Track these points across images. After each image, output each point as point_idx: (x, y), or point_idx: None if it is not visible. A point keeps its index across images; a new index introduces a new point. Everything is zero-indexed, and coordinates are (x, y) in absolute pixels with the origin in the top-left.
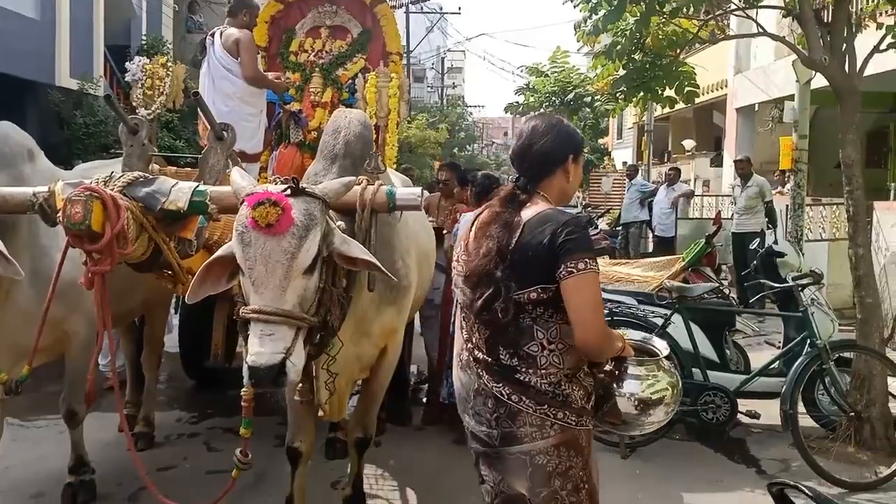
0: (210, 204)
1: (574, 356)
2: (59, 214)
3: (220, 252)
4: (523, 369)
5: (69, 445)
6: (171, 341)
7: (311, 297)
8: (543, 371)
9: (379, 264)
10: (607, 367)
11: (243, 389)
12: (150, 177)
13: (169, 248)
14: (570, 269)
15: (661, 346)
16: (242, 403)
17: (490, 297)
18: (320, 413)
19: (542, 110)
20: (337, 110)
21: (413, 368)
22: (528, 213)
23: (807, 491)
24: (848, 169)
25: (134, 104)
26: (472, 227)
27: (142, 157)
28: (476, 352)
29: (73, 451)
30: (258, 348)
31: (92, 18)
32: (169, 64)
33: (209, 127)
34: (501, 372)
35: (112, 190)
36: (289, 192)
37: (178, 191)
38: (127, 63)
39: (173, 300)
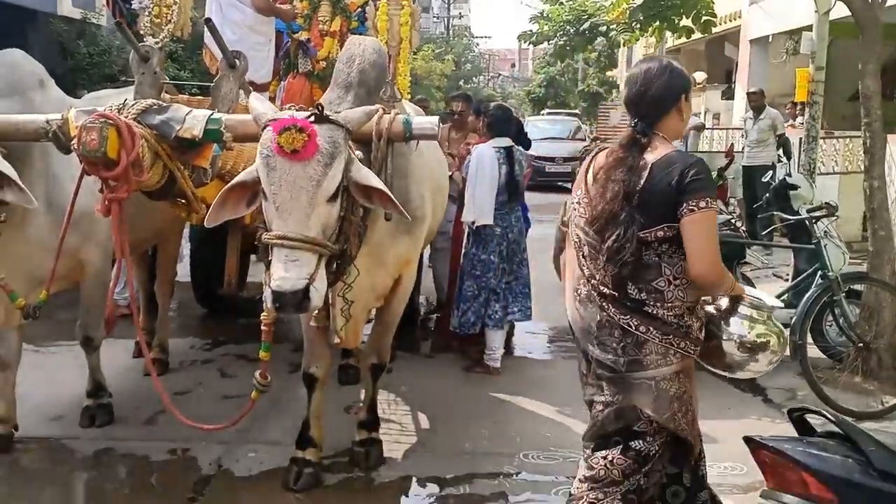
0: (225, 132)
1: (694, 290)
2: (73, 142)
3: (240, 177)
4: (651, 303)
5: (86, 371)
6: (182, 270)
7: (333, 225)
8: (669, 304)
9: (395, 200)
10: (722, 302)
11: (263, 314)
12: (164, 104)
13: (183, 176)
14: (691, 207)
15: (773, 301)
16: (263, 328)
17: (618, 238)
18: (336, 340)
19: (556, 39)
20: (351, 38)
21: (422, 299)
22: (652, 156)
23: (829, 416)
24: (867, 101)
25: (141, 32)
26: (587, 171)
27: (153, 85)
28: (602, 287)
29: (91, 375)
30: (283, 273)
31: None
32: None
33: (218, 56)
34: (630, 305)
35: (126, 117)
36: (313, 119)
37: (192, 118)
38: None
39: (186, 229)
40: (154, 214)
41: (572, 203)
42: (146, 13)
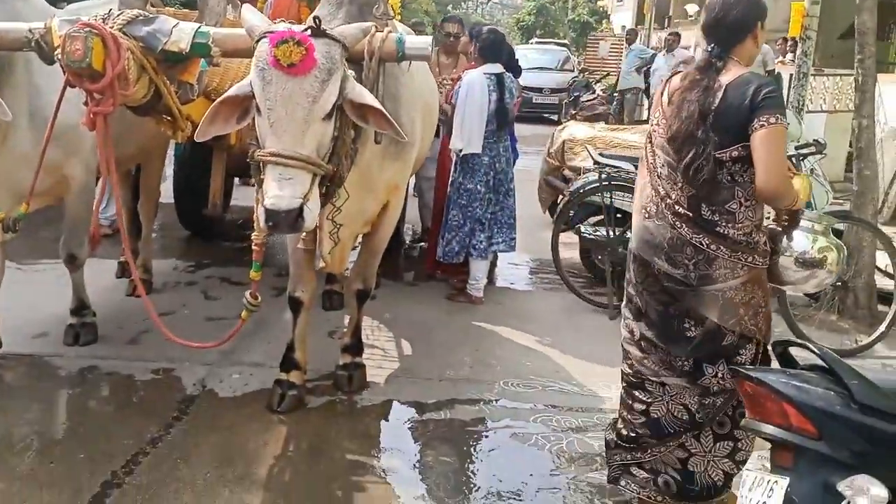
0: (213, 46)
1: (762, 209)
2: (56, 52)
3: (232, 90)
4: (722, 223)
5: (69, 289)
6: (166, 191)
7: (327, 144)
8: (740, 224)
9: (392, 119)
10: (785, 217)
11: (254, 233)
12: (151, 16)
13: (169, 91)
14: (762, 123)
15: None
16: (254, 247)
17: (693, 157)
18: (321, 264)
19: None
20: None
21: (407, 227)
22: (726, 78)
23: (813, 349)
24: (862, 37)
25: None
26: (662, 93)
27: None
28: (677, 207)
29: (74, 293)
30: (277, 192)
31: None
32: None
33: None
34: (702, 224)
35: (112, 28)
36: (311, 32)
37: (179, 31)
38: None
39: (170, 149)
40: (139, 131)
41: (651, 125)
42: None
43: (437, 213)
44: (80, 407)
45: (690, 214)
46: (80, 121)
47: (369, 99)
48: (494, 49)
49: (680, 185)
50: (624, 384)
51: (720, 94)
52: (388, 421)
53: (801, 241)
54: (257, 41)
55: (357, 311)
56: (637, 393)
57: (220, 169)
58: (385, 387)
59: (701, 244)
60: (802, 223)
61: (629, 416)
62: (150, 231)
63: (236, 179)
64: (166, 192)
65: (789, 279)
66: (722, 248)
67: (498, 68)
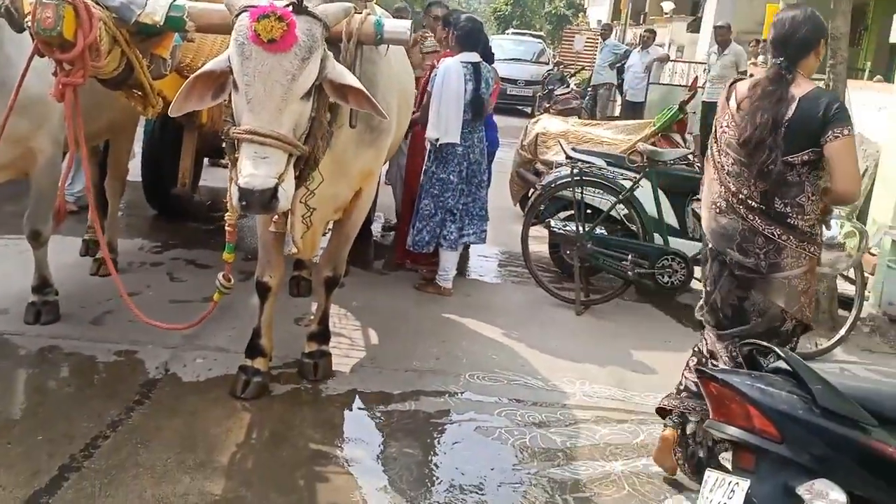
0: (187, 20)
1: (822, 204)
2: (27, 20)
3: (209, 65)
4: (793, 215)
5: (32, 266)
6: (133, 169)
7: (305, 124)
8: (807, 216)
9: (374, 100)
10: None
11: (228, 213)
12: None
13: (141, 65)
14: (836, 134)
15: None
16: (227, 228)
17: (765, 159)
18: (293, 250)
19: None
20: None
21: (378, 215)
22: (798, 90)
23: (779, 351)
24: (835, 41)
25: None
26: (728, 98)
27: None
28: (749, 201)
29: (37, 270)
30: (252, 170)
31: None
32: None
33: None
34: (774, 217)
35: None
36: (292, 9)
37: (154, 3)
38: None
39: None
40: (108, 106)
41: (720, 127)
42: None
43: (407, 201)
44: (39, 387)
45: (763, 208)
46: (48, 92)
47: (350, 79)
48: (472, 38)
49: (751, 181)
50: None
51: (793, 106)
52: (352, 411)
53: (834, 227)
54: (237, 15)
55: (325, 299)
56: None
57: (190, 148)
58: (350, 376)
59: (772, 234)
60: (834, 211)
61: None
62: (117, 209)
63: (206, 160)
64: (134, 170)
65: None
66: (791, 238)
67: (475, 57)
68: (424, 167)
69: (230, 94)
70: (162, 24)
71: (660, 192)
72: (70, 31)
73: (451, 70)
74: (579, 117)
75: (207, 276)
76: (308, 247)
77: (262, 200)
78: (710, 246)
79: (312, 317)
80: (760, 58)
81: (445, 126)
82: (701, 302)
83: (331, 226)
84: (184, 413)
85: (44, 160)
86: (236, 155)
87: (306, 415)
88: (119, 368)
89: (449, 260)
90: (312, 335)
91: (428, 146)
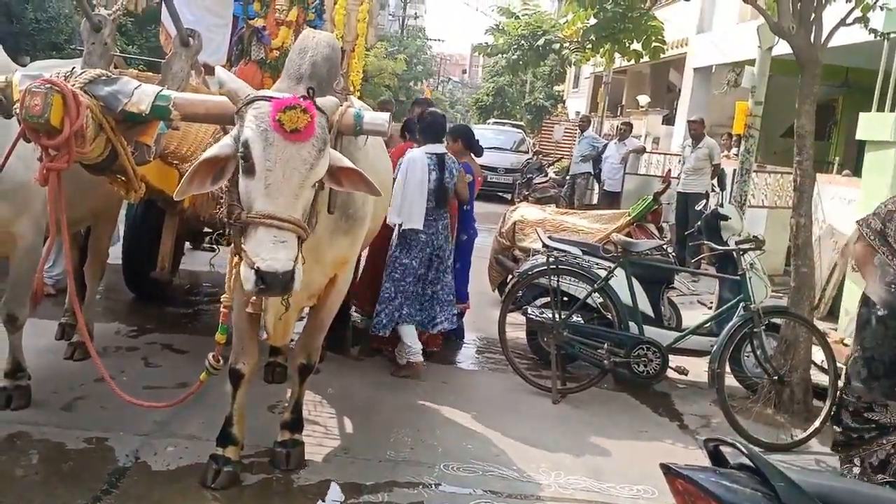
0: (173, 110)
1: None
2: (16, 106)
3: (212, 151)
4: None
5: (5, 350)
6: (115, 252)
7: (308, 210)
8: None
9: (368, 178)
10: None
11: (224, 296)
12: (113, 76)
13: (126, 152)
14: None
15: None
16: (222, 309)
17: None
18: (264, 336)
19: (510, 53)
20: (305, 31)
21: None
22: None
23: (742, 448)
24: (800, 139)
25: (94, 1)
26: None
27: (103, 57)
28: None
29: (11, 354)
30: (273, 254)
31: None
32: None
33: (172, 33)
34: None
35: (73, 86)
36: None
37: (140, 93)
38: None
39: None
40: (91, 194)
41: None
42: None
43: (365, 281)
44: (5, 474)
45: None
46: (31, 178)
47: (346, 161)
48: (435, 130)
49: None
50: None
51: None
52: (324, 502)
53: None
54: (248, 103)
55: (299, 387)
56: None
57: (171, 232)
58: (323, 465)
59: None
60: None
61: None
62: (95, 293)
63: (187, 244)
64: (114, 253)
65: None
66: None
67: (440, 148)
68: (389, 252)
69: (235, 180)
70: (148, 112)
71: (634, 282)
72: (57, 118)
73: (416, 160)
74: (557, 206)
75: (183, 361)
76: (280, 333)
77: (283, 282)
78: (879, 316)
79: (287, 404)
80: (734, 150)
81: (409, 212)
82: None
83: (306, 311)
84: None
85: (24, 245)
86: (246, 239)
87: None
88: (88, 456)
89: (407, 334)
90: (285, 424)
91: (395, 231)
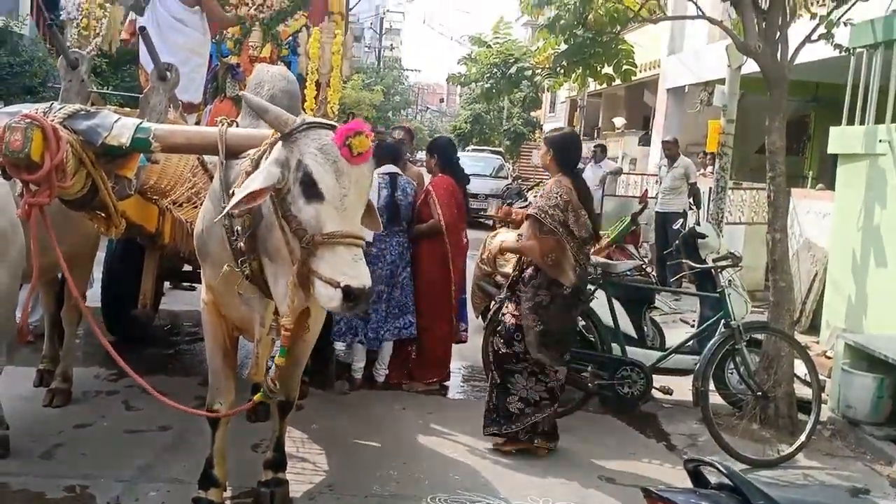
0: (153, 142)
1: None
2: None
3: (263, 183)
4: None
5: None
6: (93, 295)
7: None
8: None
9: (376, 210)
10: None
11: (284, 319)
12: (93, 110)
13: (106, 186)
14: None
15: None
16: (283, 332)
17: None
18: (245, 374)
19: (482, 82)
20: (258, 65)
21: None
22: None
23: (721, 468)
24: (772, 156)
25: (68, 44)
26: None
27: (80, 93)
28: None
29: None
30: (357, 270)
31: None
32: (107, 4)
33: (149, 73)
34: None
35: (53, 121)
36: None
37: (121, 126)
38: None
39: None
40: (66, 238)
41: None
42: (74, 24)
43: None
44: None
45: None
46: (5, 225)
47: None
48: (389, 153)
49: None
50: None
51: None
52: None
53: None
54: (302, 130)
55: (280, 424)
56: None
57: (151, 269)
58: None
59: None
60: None
61: None
62: (73, 337)
63: (166, 283)
64: (93, 296)
65: None
66: None
67: (392, 168)
68: None
69: (286, 204)
70: (128, 145)
71: (615, 303)
72: (38, 152)
73: None
74: None
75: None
76: (261, 368)
77: (368, 296)
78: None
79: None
80: (710, 168)
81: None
82: None
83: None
84: None
85: (1, 294)
86: (315, 259)
87: None
88: None
89: (358, 353)
90: (268, 463)
91: None
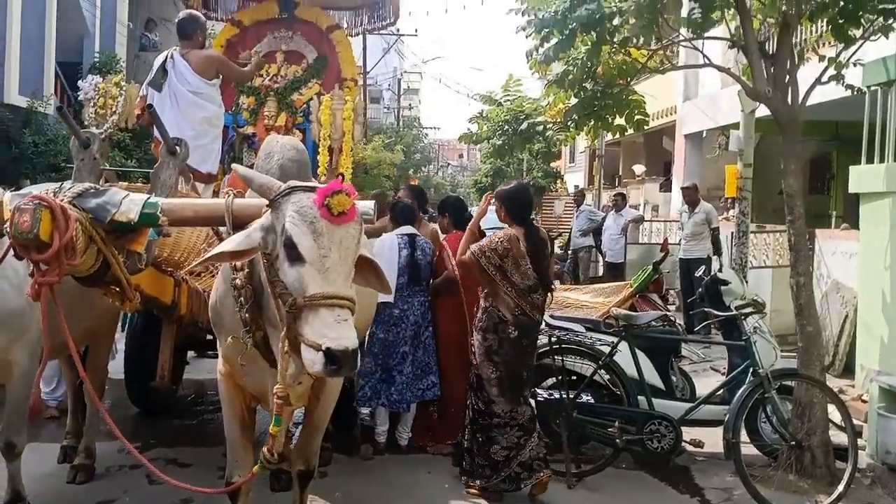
0: (161, 216)
1: None
2: (5, 224)
3: (238, 246)
4: None
5: (5, 478)
6: (115, 367)
7: None
8: None
9: (383, 273)
10: None
11: (277, 386)
12: (101, 188)
13: (117, 261)
14: None
15: None
16: (276, 400)
17: None
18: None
19: (494, 139)
20: (268, 136)
21: None
22: None
23: None
24: (790, 199)
25: (86, 123)
26: None
27: (93, 172)
28: None
29: (10, 484)
30: (341, 333)
31: (43, 34)
32: (122, 83)
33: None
34: None
35: (62, 200)
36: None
37: (129, 202)
38: (80, 81)
39: (119, 323)
40: (86, 314)
41: None
42: (91, 104)
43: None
44: None
45: None
46: (23, 305)
47: (366, 251)
48: (405, 214)
49: None
50: None
51: None
52: None
53: None
54: (285, 195)
55: (300, 494)
56: None
57: (169, 340)
58: None
59: None
60: None
61: None
62: (96, 411)
63: (190, 352)
64: (116, 368)
65: None
66: None
67: (410, 230)
68: (368, 330)
69: (272, 268)
70: (136, 220)
71: (640, 354)
72: (46, 232)
73: (385, 241)
74: (562, 281)
75: (187, 475)
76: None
77: (353, 360)
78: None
79: None
80: (731, 212)
81: None
82: None
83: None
84: None
85: (20, 371)
86: (302, 322)
87: None
88: None
89: (381, 415)
90: None
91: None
